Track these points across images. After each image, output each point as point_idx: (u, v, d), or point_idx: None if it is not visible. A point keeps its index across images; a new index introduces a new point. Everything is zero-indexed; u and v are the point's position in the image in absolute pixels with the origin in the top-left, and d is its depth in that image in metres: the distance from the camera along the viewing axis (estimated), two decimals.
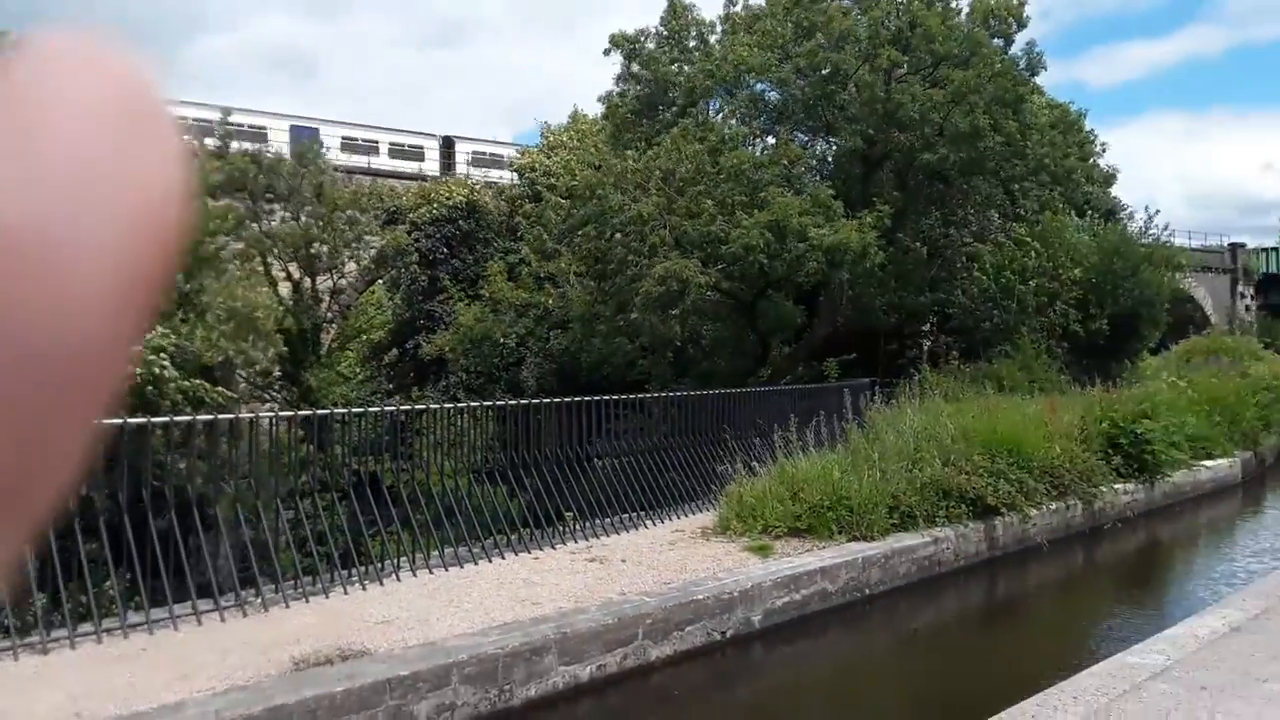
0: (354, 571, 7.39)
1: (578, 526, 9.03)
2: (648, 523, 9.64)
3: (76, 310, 0.27)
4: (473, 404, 10.03)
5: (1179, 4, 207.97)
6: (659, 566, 8.00)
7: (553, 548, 8.58)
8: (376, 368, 20.98)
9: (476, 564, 7.94)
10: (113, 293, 0.28)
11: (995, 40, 19.72)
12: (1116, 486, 12.17)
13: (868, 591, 8.61)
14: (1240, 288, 53.44)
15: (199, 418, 7.53)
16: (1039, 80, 22.27)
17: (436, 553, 7.97)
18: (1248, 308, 53.36)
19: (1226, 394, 16.62)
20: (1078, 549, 11.19)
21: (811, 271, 16.31)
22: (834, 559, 8.45)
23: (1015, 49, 20.64)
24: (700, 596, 7.20)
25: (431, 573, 7.67)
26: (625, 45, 22.12)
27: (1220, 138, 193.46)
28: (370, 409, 9.37)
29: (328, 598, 6.90)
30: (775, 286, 18.45)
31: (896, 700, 7.19)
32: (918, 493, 9.77)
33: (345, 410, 9.15)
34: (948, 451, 10.54)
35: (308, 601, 6.79)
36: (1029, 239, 21.99)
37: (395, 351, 21.01)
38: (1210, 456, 14.59)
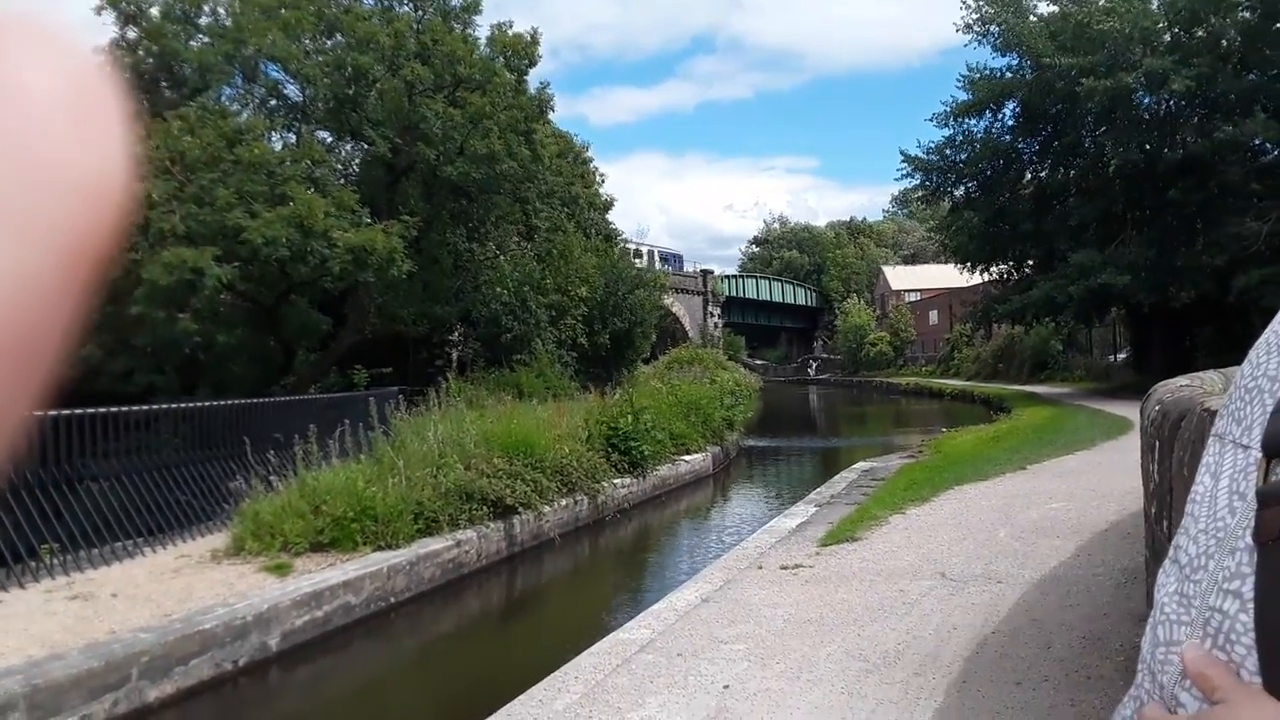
0: None
1: (57, 561, 7.77)
2: (147, 550, 8.62)
3: (18, 288, 0.27)
4: None
5: (659, 61, 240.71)
6: (159, 598, 7.21)
7: (23, 588, 7.29)
8: None
9: None
10: (55, 270, 0.28)
11: (510, 74, 21.00)
12: (616, 481, 13.56)
13: (393, 600, 8.63)
14: (710, 307, 63.31)
15: None
16: (549, 115, 24.19)
17: None
18: (716, 325, 63.39)
19: (700, 397, 19.51)
20: (585, 540, 12.32)
21: (337, 274, 15.87)
22: (358, 571, 8.33)
23: (530, 82, 22.24)
24: (207, 626, 6.63)
25: None
26: (122, 7, 19.51)
27: (693, 180, 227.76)
28: None
29: None
30: (299, 290, 17.65)
31: (418, 703, 7.31)
32: (442, 498, 10.02)
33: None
34: (470, 456, 10.98)
35: None
36: (545, 256, 23.84)
37: None
38: (689, 451, 16.86)
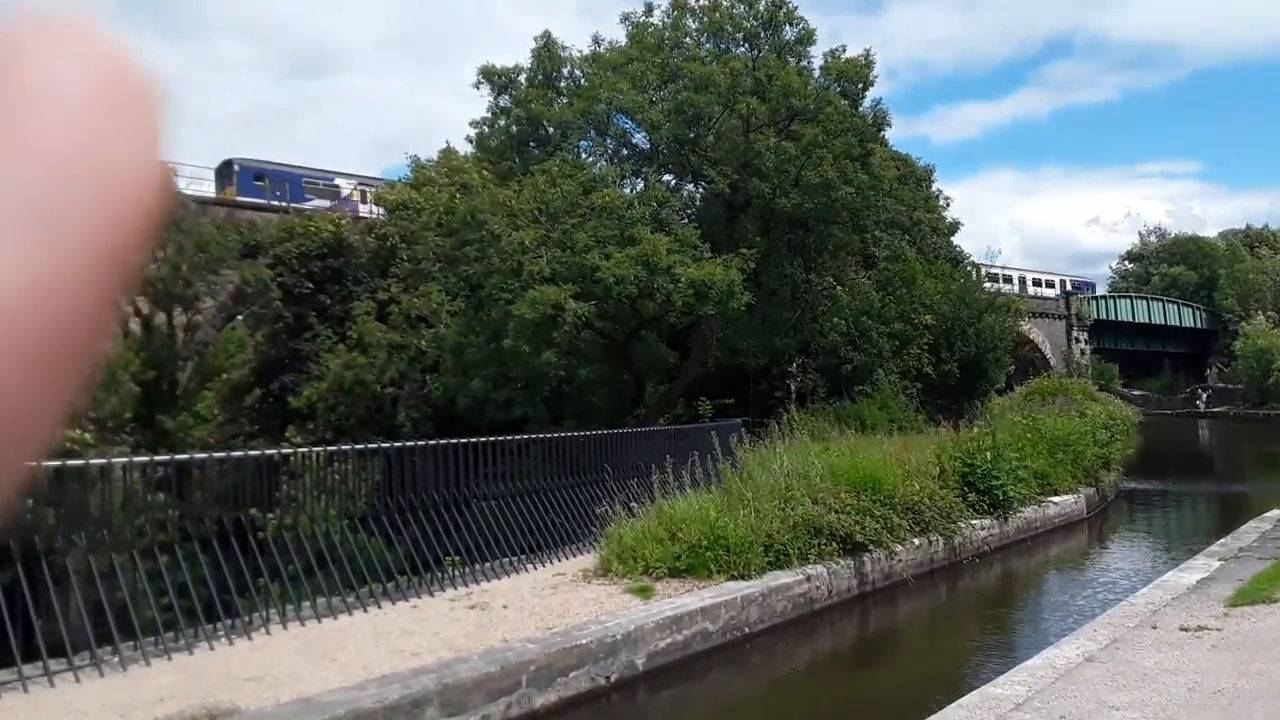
0: (219, 625, 6.99)
1: (457, 572, 8.84)
2: (529, 566, 9.53)
3: (57, 282, 0.28)
4: (345, 448, 9.69)
5: (1007, 70, 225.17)
6: (541, 611, 7.91)
7: (431, 595, 8.36)
8: (238, 409, 19.99)
9: (352, 614, 7.66)
10: (93, 265, 0.29)
11: (845, 99, 20.85)
12: (974, 522, 12.78)
13: (747, 630, 8.75)
14: (1075, 332, 57.83)
15: (45, 464, 6.98)
16: (885, 135, 23.67)
17: (308, 604, 7.64)
18: (1083, 351, 57.72)
19: (1068, 432, 17.78)
20: (940, 583, 11.70)
21: (681, 309, 16.61)
22: (714, 599, 8.56)
23: (864, 105, 21.93)
24: (583, 641, 7.15)
25: (304, 625, 7.33)
26: (496, 79, 22.26)
27: (1050, 194, 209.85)
28: (234, 453, 8.91)
29: (191, 654, 6.50)
30: (648, 326, 18.73)
31: None
32: (790, 531, 10.02)
33: (206, 455, 8.69)
34: (816, 490, 10.87)
35: (170, 659, 6.38)
36: (886, 285, 23.22)
37: (258, 392, 20.09)
38: (1056, 493, 15.48)
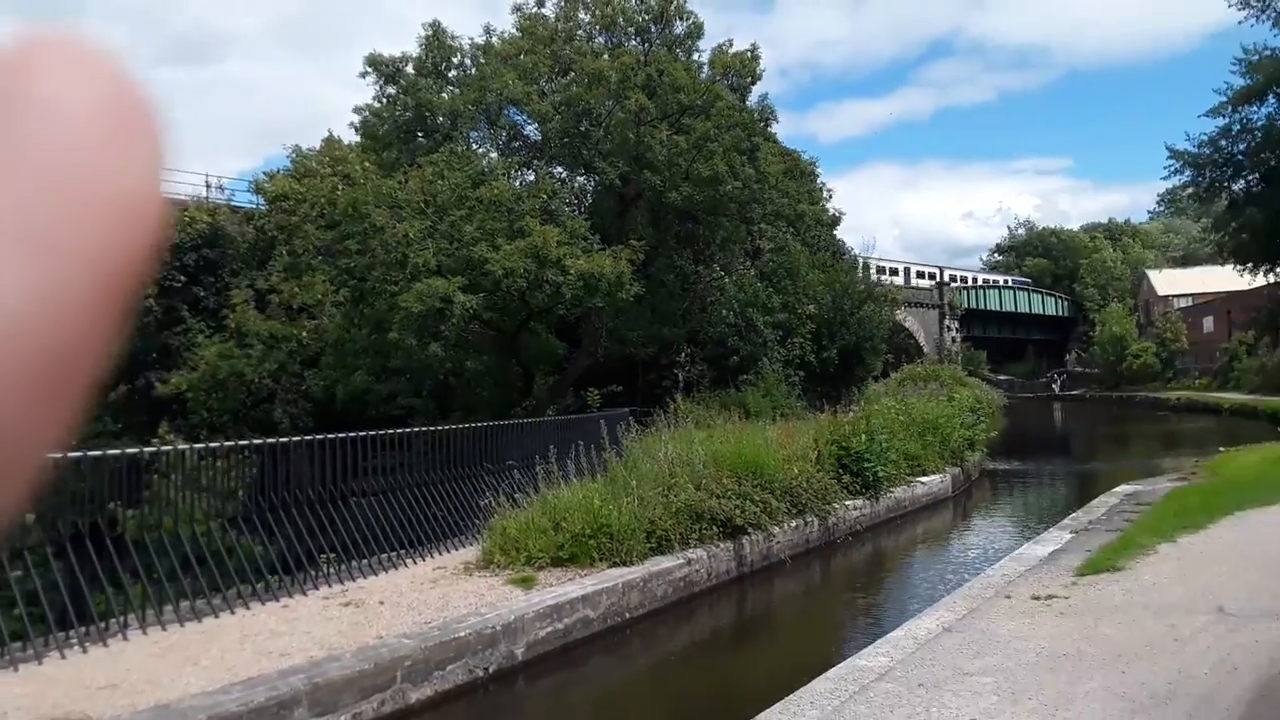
0: (72, 633, 6.65)
1: (333, 570, 8.63)
2: (409, 561, 9.38)
3: (51, 307, 0.27)
4: (215, 445, 9.32)
5: (893, 70, 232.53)
6: (419, 606, 7.81)
7: (304, 594, 8.15)
8: (101, 406, 18.97)
9: (218, 616, 7.39)
10: (89, 289, 0.28)
11: (733, 93, 21.24)
12: (848, 503, 13.21)
13: (628, 615, 8.85)
14: (947, 321, 60.39)
15: None
16: (774, 130, 24.26)
17: (170, 607, 7.34)
18: (954, 339, 60.33)
19: (937, 416, 18.59)
20: (815, 562, 12.07)
21: (570, 301, 16.62)
22: (595, 586, 8.62)
23: (751, 100, 22.41)
24: (461, 634, 7.10)
25: (165, 629, 7.04)
26: (383, 68, 21.77)
27: (930, 188, 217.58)
28: (92, 453, 8.45)
29: (40, 664, 6.16)
30: (537, 318, 18.65)
31: None
32: (673, 517, 10.16)
33: (60, 454, 8.22)
34: (699, 476, 11.06)
35: (16, 670, 6.02)
36: (771, 275, 23.77)
37: (123, 388, 19.11)
38: (925, 473, 16.14)
